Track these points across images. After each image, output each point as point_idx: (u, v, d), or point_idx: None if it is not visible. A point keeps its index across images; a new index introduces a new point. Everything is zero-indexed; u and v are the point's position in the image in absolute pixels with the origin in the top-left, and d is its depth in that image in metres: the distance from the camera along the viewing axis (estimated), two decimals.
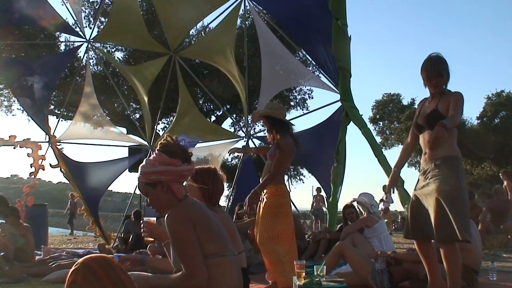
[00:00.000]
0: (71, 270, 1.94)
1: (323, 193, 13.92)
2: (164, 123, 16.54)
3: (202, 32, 13.84)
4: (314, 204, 14.08)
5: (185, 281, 1.96)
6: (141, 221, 2.59)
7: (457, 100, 3.11)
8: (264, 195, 3.99)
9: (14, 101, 14.73)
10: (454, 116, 3.06)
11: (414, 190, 3.31)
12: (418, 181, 3.30)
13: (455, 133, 3.18)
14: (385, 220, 7.47)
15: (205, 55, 9.69)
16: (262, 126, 4.26)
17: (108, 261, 2.01)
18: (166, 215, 2.05)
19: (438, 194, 3.03)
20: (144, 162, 2.22)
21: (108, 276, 1.93)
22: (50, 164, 8.92)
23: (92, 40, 9.59)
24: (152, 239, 2.62)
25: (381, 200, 13.11)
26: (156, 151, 2.21)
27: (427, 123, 3.21)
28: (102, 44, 11.19)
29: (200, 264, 1.95)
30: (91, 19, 13.82)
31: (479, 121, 23.02)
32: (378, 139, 23.03)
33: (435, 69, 3.18)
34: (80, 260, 1.97)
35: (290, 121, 4.18)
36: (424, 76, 3.23)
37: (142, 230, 2.56)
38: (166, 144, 2.24)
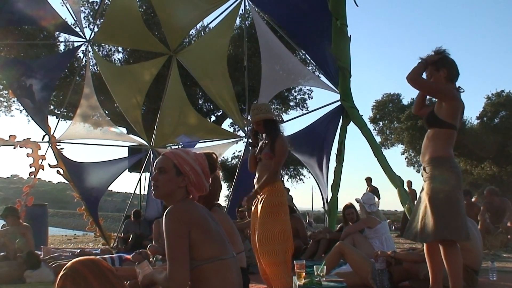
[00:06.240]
0: (60, 275, 1.94)
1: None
2: None
3: (202, 32, 13.86)
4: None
5: (164, 281, 1.96)
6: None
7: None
8: (261, 195, 3.94)
9: (13, 101, 14.74)
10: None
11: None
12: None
13: (447, 134, 3.13)
14: None
15: (201, 62, 9.59)
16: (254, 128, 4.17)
17: (97, 264, 2.01)
18: (166, 210, 2.04)
19: (426, 195, 3.06)
20: (187, 149, 2.29)
21: (97, 278, 1.93)
22: (49, 165, 8.92)
23: (92, 41, 9.60)
24: None
25: None
26: (203, 155, 2.26)
27: (426, 122, 3.24)
28: (98, 47, 11.12)
29: (181, 268, 1.93)
30: (91, 19, 13.84)
31: (479, 121, 23.03)
32: (378, 139, 23.02)
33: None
34: (68, 264, 1.97)
35: (280, 119, 4.13)
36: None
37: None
38: (212, 157, 2.36)
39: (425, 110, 3.41)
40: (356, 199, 5.61)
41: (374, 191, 11.69)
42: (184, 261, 1.94)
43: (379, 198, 11.75)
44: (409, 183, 11.26)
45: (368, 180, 11.72)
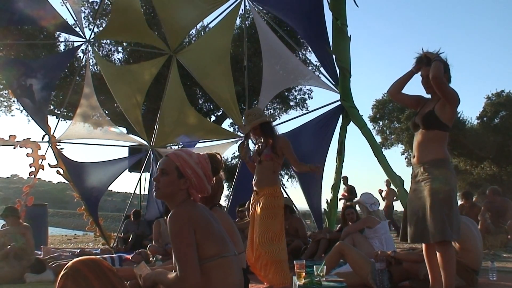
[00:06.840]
0: (61, 274, 1.94)
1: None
2: None
3: (202, 32, 13.85)
4: None
5: (176, 282, 1.96)
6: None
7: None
8: (260, 197, 4.05)
9: (13, 101, 14.73)
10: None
11: (408, 194, 3.35)
12: (410, 185, 3.33)
13: (444, 136, 3.19)
14: None
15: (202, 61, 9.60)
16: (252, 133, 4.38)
17: (97, 263, 2.01)
18: (169, 214, 2.05)
19: (430, 196, 3.05)
20: (190, 151, 2.25)
21: (98, 278, 1.93)
22: (49, 165, 8.91)
23: (92, 40, 9.60)
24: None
25: None
26: (206, 157, 2.25)
27: (423, 123, 3.23)
28: (98, 47, 11.09)
29: (193, 268, 1.94)
30: (91, 19, 13.83)
31: (479, 121, 22.99)
32: (378, 139, 22.97)
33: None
34: (69, 264, 1.97)
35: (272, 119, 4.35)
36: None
37: None
38: (216, 159, 2.31)
39: (403, 96, 3.49)
40: (353, 202, 5.60)
41: (350, 190, 11.64)
42: (194, 262, 1.96)
43: (355, 196, 11.59)
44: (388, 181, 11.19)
45: (345, 179, 11.50)
